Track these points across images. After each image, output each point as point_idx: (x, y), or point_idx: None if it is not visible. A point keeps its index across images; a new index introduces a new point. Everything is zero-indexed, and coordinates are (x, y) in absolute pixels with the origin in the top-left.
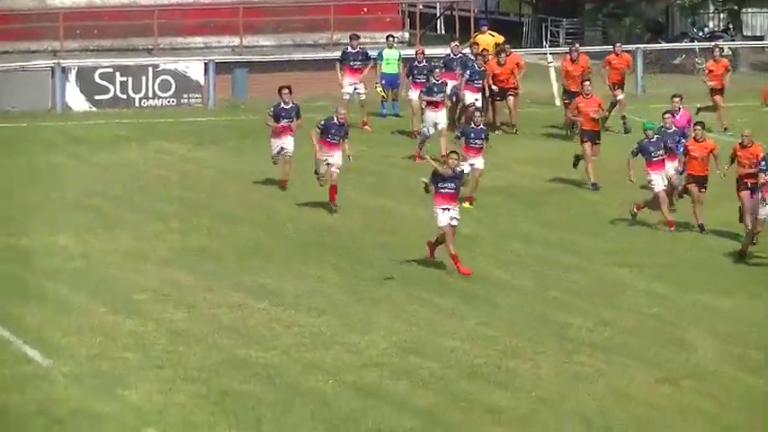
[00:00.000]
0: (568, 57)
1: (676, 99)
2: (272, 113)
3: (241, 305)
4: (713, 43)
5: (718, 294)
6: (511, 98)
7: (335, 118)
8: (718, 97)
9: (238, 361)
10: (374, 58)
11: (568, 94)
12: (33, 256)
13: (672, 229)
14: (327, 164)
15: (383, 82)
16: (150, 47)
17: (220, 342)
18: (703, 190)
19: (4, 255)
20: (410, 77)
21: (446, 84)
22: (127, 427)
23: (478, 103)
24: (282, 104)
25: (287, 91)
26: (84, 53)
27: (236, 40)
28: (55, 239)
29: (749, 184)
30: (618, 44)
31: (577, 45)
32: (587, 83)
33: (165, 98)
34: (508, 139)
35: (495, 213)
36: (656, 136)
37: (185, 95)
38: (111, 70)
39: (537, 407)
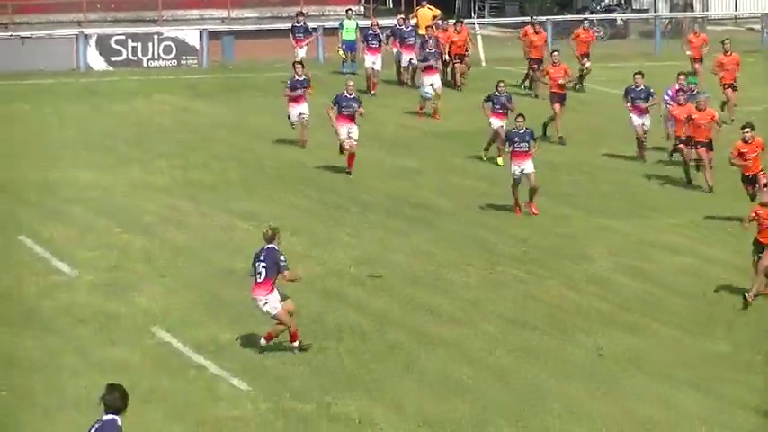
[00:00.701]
0: (531, 29)
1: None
2: (288, 86)
3: (230, 226)
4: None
5: (614, 218)
6: (465, 60)
7: (345, 91)
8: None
9: (227, 271)
10: (336, 28)
11: (533, 61)
12: (61, 187)
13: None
14: (349, 135)
15: (344, 47)
16: (156, 18)
17: (213, 256)
18: (711, 151)
19: (38, 186)
20: (365, 43)
21: (437, 53)
22: (137, 325)
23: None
24: (296, 77)
25: (300, 65)
26: (102, 23)
27: (225, 13)
28: (79, 174)
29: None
30: (585, 20)
31: (539, 18)
32: (556, 53)
33: (168, 60)
34: (451, 94)
35: (440, 152)
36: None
37: (184, 58)
38: (123, 37)
39: (468, 308)
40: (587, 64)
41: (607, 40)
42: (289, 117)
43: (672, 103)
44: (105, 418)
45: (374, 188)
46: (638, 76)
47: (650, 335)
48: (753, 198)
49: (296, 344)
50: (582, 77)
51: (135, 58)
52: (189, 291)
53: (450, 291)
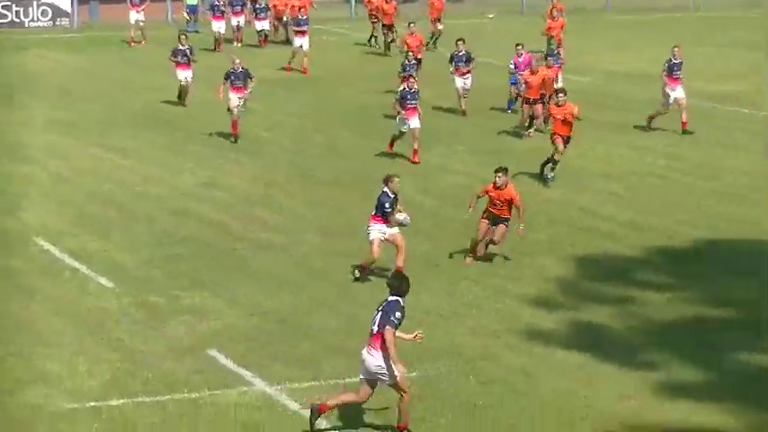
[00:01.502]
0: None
1: (519, 46)
2: (171, 53)
3: (97, 157)
4: None
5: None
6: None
7: (232, 67)
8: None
9: (95, 193)
10: None
11: (386, 27)
12: None
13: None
14: (238, 104)
15: (188, 10)
16: None
17: (83, 181)
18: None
19: None
20: (211, 10)
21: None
22: (23, 237)
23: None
24: (179, 46)
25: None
26: None
27: None
28: None
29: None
30: None
31: None
32: (413, 24)
33: (45, 21)
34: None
35: (273, 96)
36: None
37: (58, 19)
38: (9, 3)
39: (293, 220)
40: (440, 27)
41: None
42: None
43: (517, 70)
44: (391, 298)
45: (218, 124)
46: (459, 42)
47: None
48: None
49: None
50: (435, 40)
51: (18, 21)
52: (65, 209)
53: (278, 207)
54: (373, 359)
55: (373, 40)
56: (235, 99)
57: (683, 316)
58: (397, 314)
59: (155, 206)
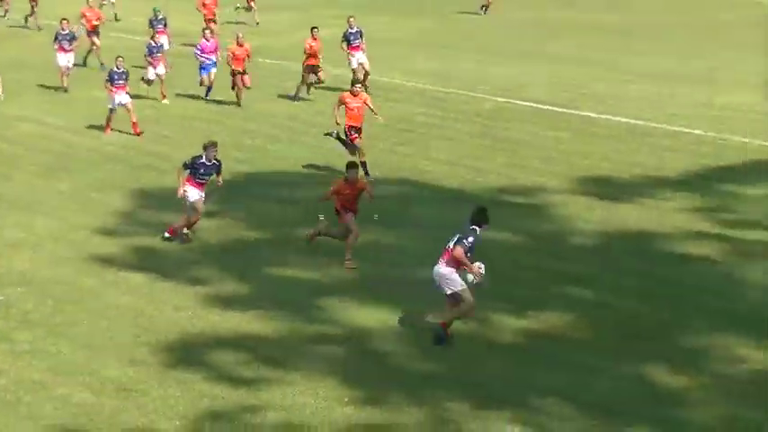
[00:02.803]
0: None
1: (207, 31)
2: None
3: None
4: None
5: None
6: None
7: (115, 66)
8: None
9: None
10: None
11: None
12: None
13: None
14: (123, 103)
15: None
16: None
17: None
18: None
19: None
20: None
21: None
22: None
23: None
24: (61, 30)
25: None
26: None
27: None
28: None
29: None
30: None
31: None
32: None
33: None
34: None
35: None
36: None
37: None
38: None
39: None
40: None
41: None
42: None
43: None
44: (471, 227)
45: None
46: (351, 18)
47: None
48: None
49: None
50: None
51: None
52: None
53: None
54: (441, 270)
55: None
56: (117, 99)
57: (229, 238)
58: (470, 239)
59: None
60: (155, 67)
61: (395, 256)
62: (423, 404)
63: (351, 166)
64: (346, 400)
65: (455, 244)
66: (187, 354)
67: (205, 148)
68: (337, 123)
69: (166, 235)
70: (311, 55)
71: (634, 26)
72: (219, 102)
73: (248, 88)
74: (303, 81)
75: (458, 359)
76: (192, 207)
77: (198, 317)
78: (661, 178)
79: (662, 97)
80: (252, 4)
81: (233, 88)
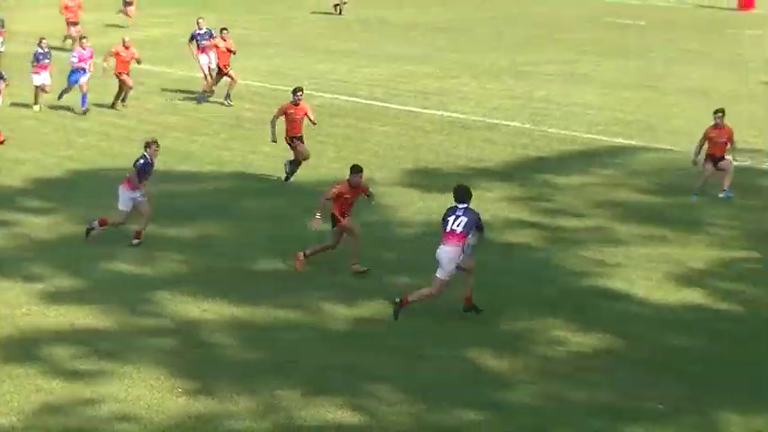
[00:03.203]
0: None
1: (84, 40)
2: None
3: None
4: None
5: None
6: None
7: (38, 47)
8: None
9: None
10: None
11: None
12: None
13: None
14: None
15: None
16: None
17: None
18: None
19: None
20: None
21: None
22: None
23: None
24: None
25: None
26: None
27: None
28: None
29: None
30: None
31: None
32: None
33: None
34: None
35: None
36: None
37: None
38: None
39: None
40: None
41: None
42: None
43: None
44: (460, 206)
45: None
46: (200, 20)
47: None
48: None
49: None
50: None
51: None
52: None
53: None
54: (448, 252)
55: None
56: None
57: (62, 234)
58: (478, 216)
59: None
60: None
61: (224, 248)
62: (254, 393)
63: (356, 169)
64: (179, 390)
65: (468, 228)
66: (21, 350)
67: (148, 145)
68: (273, 141)
69: (135, 241)
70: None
71: (458, 23)
72: (61, 107)
73: (131, 88)
74: (210, 81)
75: (288, 348)
76: (132, 212)
77: (32, 313)
78: (482, 169)
79: (484, 92)
80: (129, 9)
81: (121, 91)
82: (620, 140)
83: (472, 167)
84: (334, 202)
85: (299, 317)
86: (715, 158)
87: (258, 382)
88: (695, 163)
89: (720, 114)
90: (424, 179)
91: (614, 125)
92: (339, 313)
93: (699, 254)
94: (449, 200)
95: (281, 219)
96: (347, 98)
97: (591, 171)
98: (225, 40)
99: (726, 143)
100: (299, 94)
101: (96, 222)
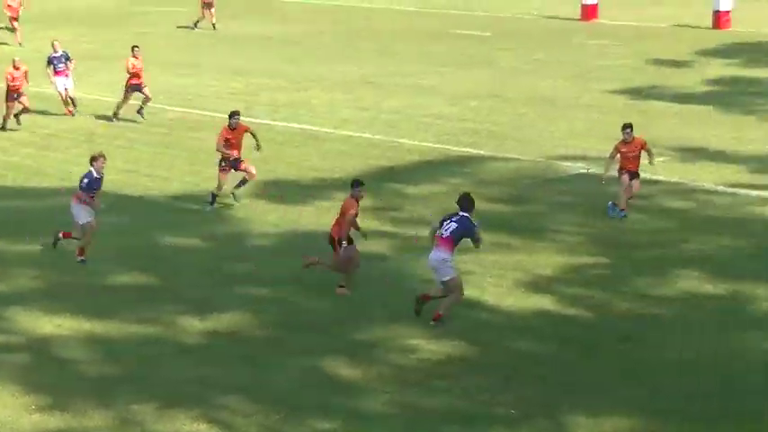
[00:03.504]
0: None
1: (56, 42)
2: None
3: None
4: None
5: None
6: None
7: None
8: None
9: None
10: None
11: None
12: None
13: None
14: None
15: None
16: None
17: None
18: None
19: None
20: None
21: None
22: None
23: None
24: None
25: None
26: None
27: None
28: None
29: None
30: None
31: None
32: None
33: None
34: None
35: None
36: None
37: None
38: None
39: None
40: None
41: None
42: None
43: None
44: (461, 214)
45: None
46: (56, 42)
47: None
48: None
49: None
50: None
51: None
52: None
53: None
54: (442, 256)
55: None
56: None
57: None
58: (475, 223)
59: None
60: None
61: (76, 263)
62: (109, 407)
63: (358, 183)
64: (33, 407)
65: (459, 233)
66: None
67: (95, 159)
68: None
69: (80, 258)
70: (134, 74)
71: (310, 37)
72: None
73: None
74: (124, 100)
75: (142, 362)
76: (87, 227)
77: None
78: (334, 180)
79: (334, 103)
80: (15, 24)
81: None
82: (468, 150)
83: (324, 179)
84: (336, 225)
85: (153, 330)
86: (630, 173)
87: (113, 397)
88: (605, 181)
89: (629, 130)
90: (277, 191)
91: (463, 135)
92: (193, 326)
93: (548, 261)
94: (304, 211)
95: (133, 233)
96: (201, 112)
97: (440, 180)
98: (136, 58)
99: (638, 157)
100: (236, 117)
101: (76, 252)
